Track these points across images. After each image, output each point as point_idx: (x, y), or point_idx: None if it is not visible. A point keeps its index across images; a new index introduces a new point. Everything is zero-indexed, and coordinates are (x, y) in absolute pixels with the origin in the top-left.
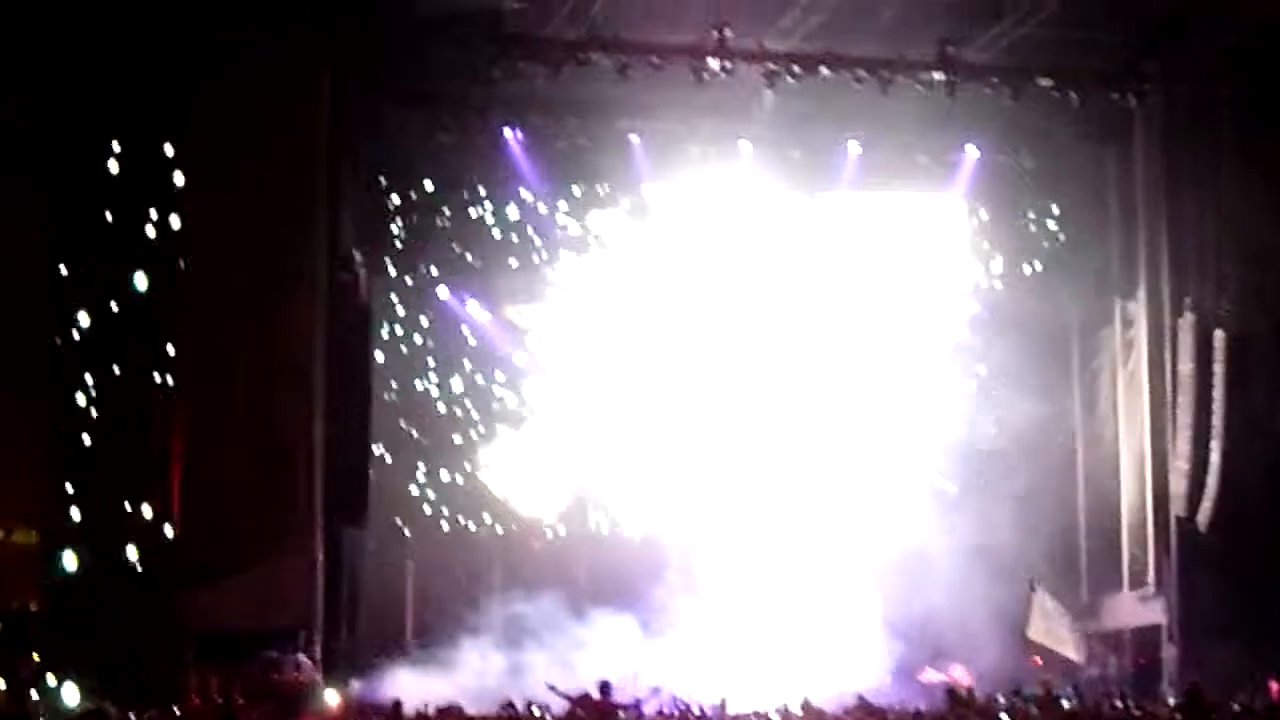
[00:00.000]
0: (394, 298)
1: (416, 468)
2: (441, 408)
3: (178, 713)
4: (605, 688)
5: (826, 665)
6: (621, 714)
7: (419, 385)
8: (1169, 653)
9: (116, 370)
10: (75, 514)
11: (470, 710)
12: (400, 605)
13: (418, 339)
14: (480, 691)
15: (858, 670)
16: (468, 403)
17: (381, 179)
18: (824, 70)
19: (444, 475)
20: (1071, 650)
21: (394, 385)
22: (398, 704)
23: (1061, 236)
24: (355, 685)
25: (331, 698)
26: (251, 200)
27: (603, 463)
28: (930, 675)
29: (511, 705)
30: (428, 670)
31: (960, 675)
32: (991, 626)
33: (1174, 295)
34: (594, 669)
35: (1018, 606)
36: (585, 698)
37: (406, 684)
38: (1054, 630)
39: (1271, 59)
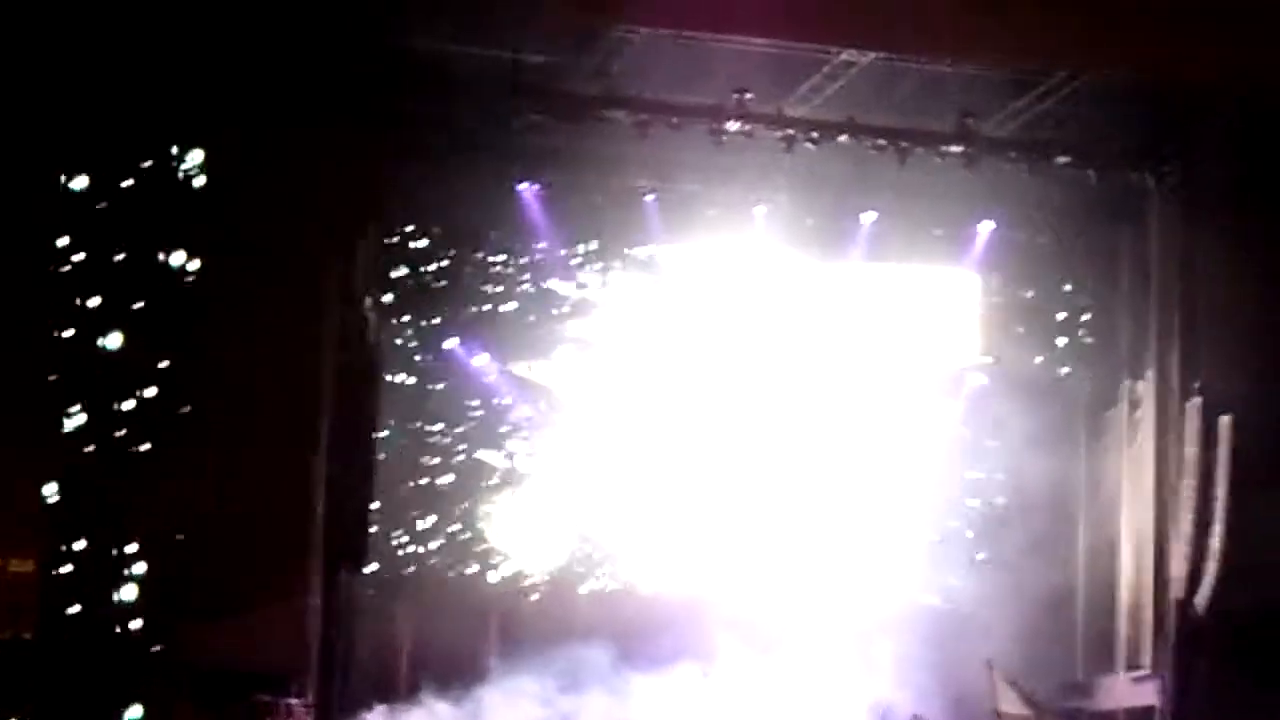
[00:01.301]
0: (403, 345)
1: (418, 515)
2: (445, 457)
3: None
4: None
5: None
6: None
7: (423, 433)
8: None
9: (117, 403)
10: (73, 545)
11: None
12: (395, 654)
13: (425, 387)
14: None
15: None
16: (471, 453)
17: (396, 226)
18: (842, 138)
19: (445, 525)
20: None
21: (398, 431)
22: None
23: (1073, 314)
24: None
25: None
26: (262, 242)
27: (605, 519)
28: None
29: None
30: None
31: None
32: (969, 695)
33: (1183, 378)
34: None
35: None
36: None
37: None
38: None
39: None
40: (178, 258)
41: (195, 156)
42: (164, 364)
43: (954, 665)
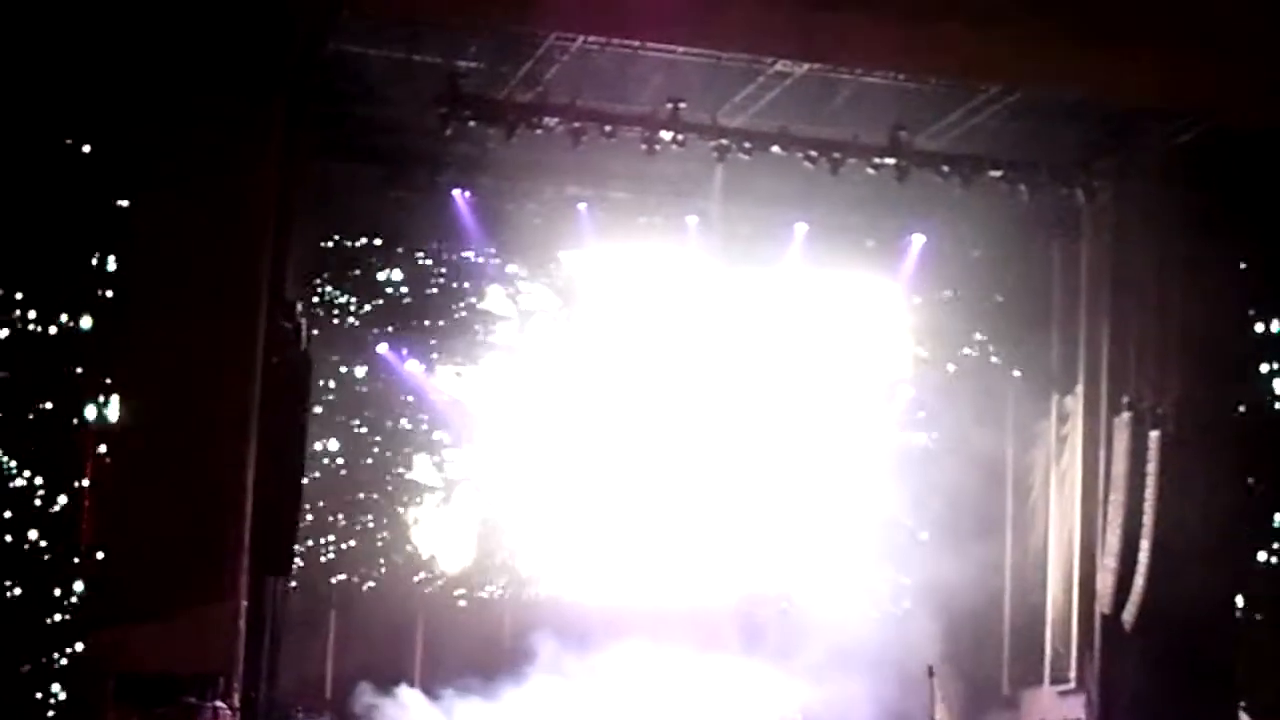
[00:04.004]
0: (334, 350)
1: (345, 521)
2: (374, 462)
3: None
4: None
5: None
6: None
7: (353, 438)
8: None
9: (48, 404)
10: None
11: None
12: (321, 658)
13: (355, 392)
14: None
15: None
16: (400, 459)
17: (329, 231)
18: (775, 148)
19: (372, 530)
20: None
21: (328, 436)
22: None
23: (1002, 328)
24: None
25: None
26: (194, 245)
27: (530, 527)
28: None
29: None
30: None
31: None
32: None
33: (1111, 393)
34: None
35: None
36: None
37: None
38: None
39: (1223, 162)
40: (113, 261)
41: (126, 162)
42: (89, 366)
43: (884, 669)
